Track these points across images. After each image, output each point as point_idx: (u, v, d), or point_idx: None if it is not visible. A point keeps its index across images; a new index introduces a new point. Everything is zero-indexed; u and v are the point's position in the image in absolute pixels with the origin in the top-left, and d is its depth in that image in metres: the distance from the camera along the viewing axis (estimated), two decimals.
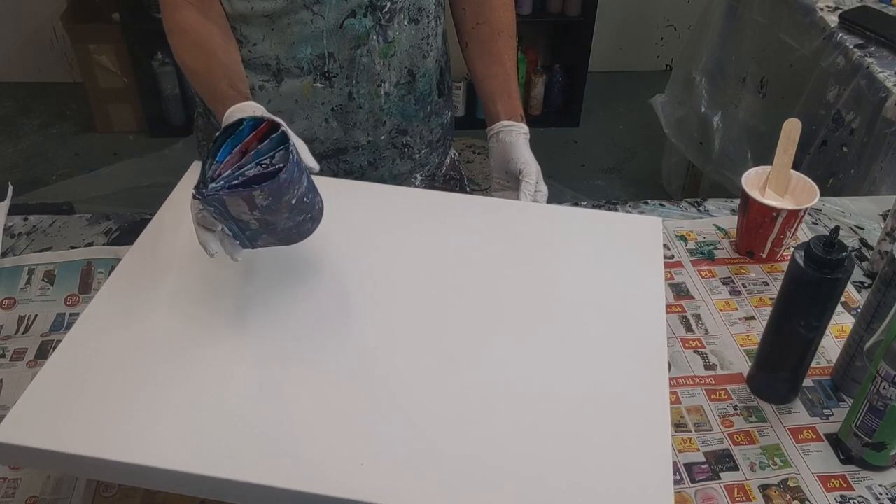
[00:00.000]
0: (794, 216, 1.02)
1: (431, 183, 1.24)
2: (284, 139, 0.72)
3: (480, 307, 0.81)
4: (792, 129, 1.05)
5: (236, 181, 0.70)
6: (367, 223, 0.90)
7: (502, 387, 0.72)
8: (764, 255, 1.06)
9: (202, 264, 0.82)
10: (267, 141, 0.72)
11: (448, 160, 1.28)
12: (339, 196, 0.93)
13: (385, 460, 0.66)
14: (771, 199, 1.04)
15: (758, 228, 1.04)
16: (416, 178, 1.21)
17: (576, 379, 0.73)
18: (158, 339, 0.74)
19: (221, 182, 0.70)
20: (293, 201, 0.72)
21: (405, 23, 1.04)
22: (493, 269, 0.85)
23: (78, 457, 0.65)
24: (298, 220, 0.75)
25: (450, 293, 0.82)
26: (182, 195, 0.91)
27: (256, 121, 0.73)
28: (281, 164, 0.70)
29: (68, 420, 0.67)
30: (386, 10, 1.01)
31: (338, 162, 1.12)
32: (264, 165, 0.71)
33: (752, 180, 1.06)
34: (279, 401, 0.70)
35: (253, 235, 0.75)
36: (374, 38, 1.02)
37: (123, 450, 0.65)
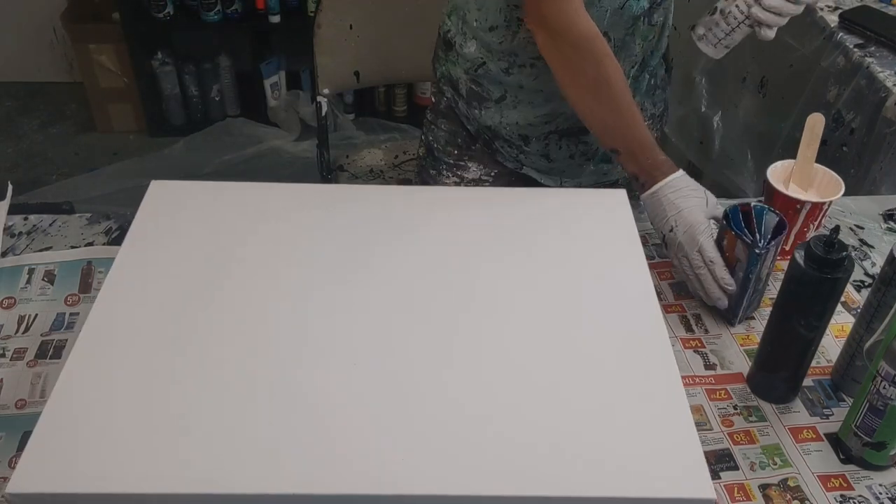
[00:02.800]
0: (817, 209, 1.02)
1: None
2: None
3: (476, 298, 0.82)
4: (815, 124, 1.05)
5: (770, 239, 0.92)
6: (342, 222, 0.90)
7: (515, 374, 0.74)
8: (787, 248, 1.06)
9: (187, 279, 0.82)
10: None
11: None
12: (306, 199, 0.94)
13: (417, 451, 0.66)
14: (794, 193, 1.04)
15: None
16: None
17: (582, 358, 0.75)
18: (154, 362, 0.73)
19: (763, 242, 0.91)
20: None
21: (671, 6, 1.06)
22: (476, 258, 0.86)
23: (97, 495, 0.64)
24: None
25: (441, 287, 0.83)
26: (145, 221, 0.89)
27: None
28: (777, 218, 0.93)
29: (80, 459, 0.65)
30: None
31: (577, 143, 1.15)
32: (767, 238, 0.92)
33: (778, 173, 1.06)
34: (291, 407, 0.70)
35: (756, 294, 0.97)
36: (643, 20, 1.03)
37: (142, 481, 0.64)
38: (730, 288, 0.93)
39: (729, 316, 0.97)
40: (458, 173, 1.26)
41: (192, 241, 0.86)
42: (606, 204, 0.94)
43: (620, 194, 0.95)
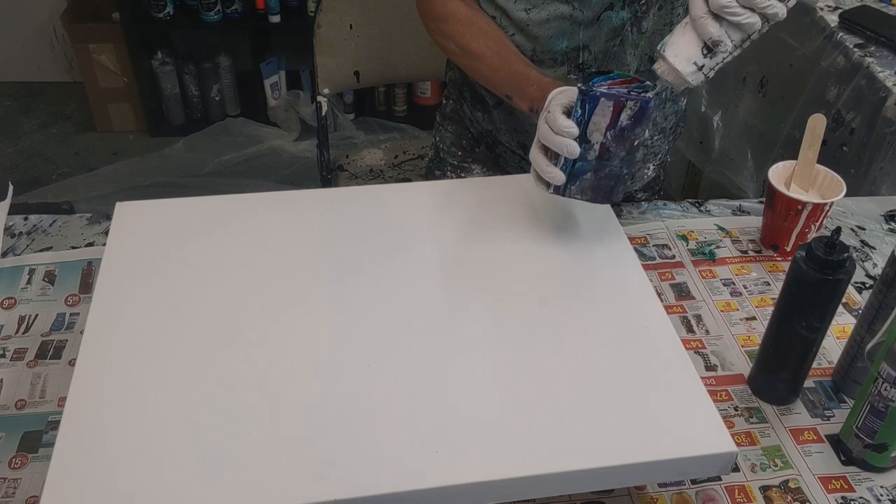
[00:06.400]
0: (819, 210, 1.02)
1: (658, 174, 1.26)
2: (652, 87, 0.83)
3: (475, 290, 0.83)
4: (817, 125, 1.05)
5: (614, 91, 0.82)
6: (320, 226, 0.91)
7: (529, 362, 0.76)
8: (788, 249, 1.07)
9: (180, 296, 0.81)
10: (635, 86, 0.83)
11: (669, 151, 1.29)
12: (275, 206, 0.94)
13: (447, 443, 0.68)
14: (796, 193, 1.04)
15: (782, 221, 1.04)
16: (648, 167, 1.23)
17: (583, 337, 0.79)
18: (161, 380, 0.72)
19: (604, 88, 0.81)
20: (636, 143, 0.84)
21: (656, 10, 1.05)
22: (463, 249, 0.88)
23: None
24: (623, 171, 0.86)
25: (441, 283, 0.84)
26: (119, 246, 0.87)
27: (623, 75, 0.84)
28: (650, 95, 0.81)
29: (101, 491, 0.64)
30: (643, 1, 1.02)
31: None
32: (633, 94, 0.82)
33: (779, 174, 1.06)
34: (305, 414, 0.70)
35: (581, 169, 0.85)
36: (629, 29, 1.04)
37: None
38: (567, 130, 0.82)
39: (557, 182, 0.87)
40: (462, 175, 1.26)
41: (176, 259, 0.85)
42: None
43: None
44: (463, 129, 1.26)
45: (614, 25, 1.03)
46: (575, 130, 0.82)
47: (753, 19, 0.76)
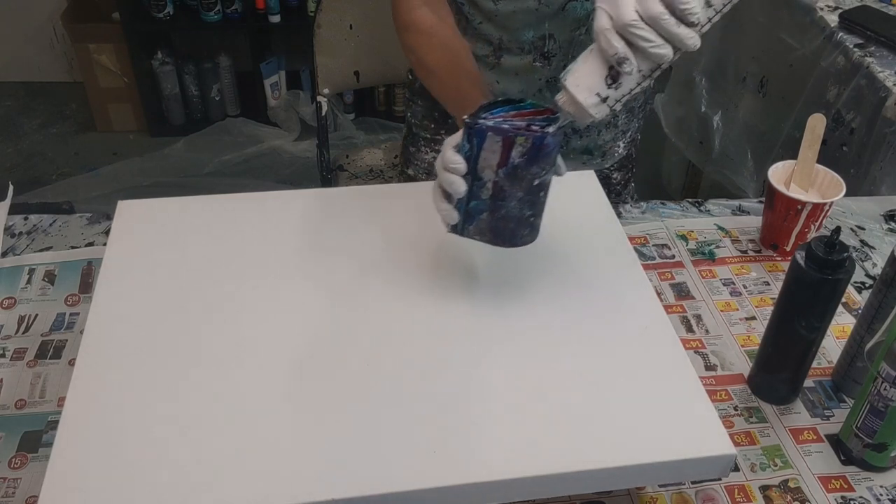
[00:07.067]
0: (818, 209, 1.02)
1: (629, 152, 1.29)
2: (555, 121, 0.74)
3: (474, 290, 0.83)
4: (816, 125, 1.05)
5: (505, 125, 0.73)
6: (319, 228, 0.90)
7: (529, 363, 0.75)
8: (788, 249, 1.07)
9: (179, 297, 0.80)
10: (540, 118, 0.74)
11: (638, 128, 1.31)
12: (276, 207, 0.93)
13: (450, 444, 0.68)
14: (795, 193, 1.04)
15: (782, 221, 1.04)
16: (619, 146, 1.25)
17: (583, 340, 0.78)
18: (159, 382, 0.72)
19: (493, 122, 0.73)
20: (535, 182, 0.75)
21: None
22: (462, 248, 0.87)
23: None
24: (525, 213, 0.77)
25: (439, 281, 0.84)
26: (120, 244, 0.87)
27: (536, 105, 0.75)
28: (549, 131, 0.73)
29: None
30: None
31: None
32: (533, 129, 0.73)
33: (779, 174, 1.06)
34: (305, 414, 0.70)
35: (476, 208, 0.76)
36: (594, 18, 1.04)
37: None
38: (453, 166, 0.74)
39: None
40: (436, 148, 1.25)
41: (176, 259, 0.85)
42: (576, 184, 0.97)
43: (588, 174, 1.00)
44: (433, 102, 1.25)
45: (579, 15, 1.06)
46: (461, 167, 0.74)
47: (664, 50, 0.68)
